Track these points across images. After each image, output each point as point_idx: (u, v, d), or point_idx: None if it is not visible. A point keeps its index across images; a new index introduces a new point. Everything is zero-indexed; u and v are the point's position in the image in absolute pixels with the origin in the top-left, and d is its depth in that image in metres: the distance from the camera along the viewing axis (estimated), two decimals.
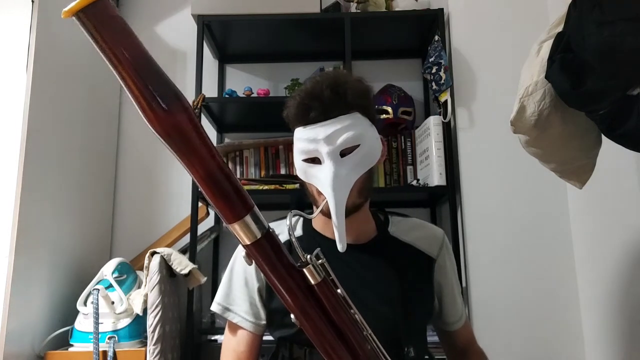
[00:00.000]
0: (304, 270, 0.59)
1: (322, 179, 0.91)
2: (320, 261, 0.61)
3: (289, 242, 1.03)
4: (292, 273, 0.59)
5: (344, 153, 0.92)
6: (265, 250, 0.57)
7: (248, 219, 0.55)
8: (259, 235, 0.56)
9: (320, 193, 0.94)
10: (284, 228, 1.05)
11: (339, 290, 0.62)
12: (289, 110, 0.99)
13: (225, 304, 1.06)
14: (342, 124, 0.92)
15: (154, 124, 0.49)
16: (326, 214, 0.92)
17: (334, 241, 1.01)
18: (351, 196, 0.92)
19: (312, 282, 0.60)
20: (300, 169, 0.97)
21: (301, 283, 0.60)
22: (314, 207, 1.05)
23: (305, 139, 0.93)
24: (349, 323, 0.62)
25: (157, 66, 0.50)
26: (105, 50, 0.47)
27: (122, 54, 0.47)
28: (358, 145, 0.93)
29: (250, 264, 0.59)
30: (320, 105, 0.93)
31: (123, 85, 0.49)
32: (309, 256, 0.60)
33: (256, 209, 0.56)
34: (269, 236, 0.57)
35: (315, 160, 0.94)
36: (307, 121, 0.94)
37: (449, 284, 1.11)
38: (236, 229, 0.55)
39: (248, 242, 0.56)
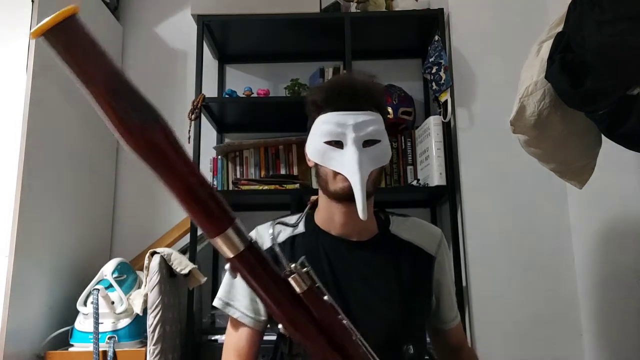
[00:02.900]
0: (289, 279, 0.59)
1: (344, 162, 0.95)
2: (305, 269, 0.60)
3: (292, 238, 1.05)
4: (278, 283, 0.59)
5: (365, 144, 0.97)
6: (249, 263, 0.57)
7: (230, 232, 0.54)
8: (241, 248, 0.55)
9: (336, 175, 0.98)
10: (286, 226, 1.06)
11: (325, 297, 0.62)
12: (318, 96, 1.03)
13: (226, 299, 1.07)
14: (370, 117, 0.98)
15: (129, 142, 0.48)
16: (340, 195, 0.97)
17: (336, 238, 1.04)
18: (368, 184, 0.97)
19: (298, 290, 0.59)
20: (319, 150, 1.00)
21: (287, 293, 0.59)
22: (320, 194, 1.07)
23: (334, 122, 0.97)
24: (338, 329, 0.62)
25: (130, 83, 0.48)
26: (76, 71, 0.45)
27: (95, 73, 0.46)
28: (379, 141, 0.99)
29: (234, 277, 0.59)
30: (352, 93, 0.99)
31: (96, 106, 0.47)
32: (293, 265, 0.60)
33: (238, 221, 0.55)
34: (252, 248, 0.56)
35: (337, 144, 0.98)
36: (337, 106, 0.98)
37: (447, 282, 1.12)
38: (218, 243, 0.54)
39: (231, 256, 0.55)
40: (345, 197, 0.97)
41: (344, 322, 0.63)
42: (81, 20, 0.45)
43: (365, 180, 0.94)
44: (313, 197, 0.96)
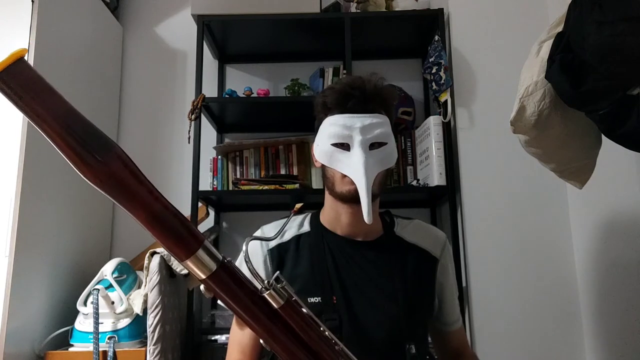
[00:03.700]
0: (265, 295, 0.59)
1: (350, 164, 0.97)
2: (280, 285, 0.60)
3: (297, 237, 1.07)
4: (255, 299, 0.59)
5: (371, 147, 0.98)
6: (223, 281, 0.57)
7: (200, 253, 0.54)
8: (214, 268, 0.55)
9: (343, 177, 0.99)
10: (294, 225, 1.09)
11: (304, 310, 0.62)
12: (328, 98, 1.03)
13: None
14: (378, 119, 0.99)
15: (91, 177, 0.49)
16: (347, 197, 0.99)
17: (342, 237, 1.06)
18: (374, 185, 0.98)
19: (275, 306, 0.59)
20: (326, 153, 1.01)
21: (265, 308, 0.59)
22: (326, 194, 1.08)
23: (342, 124, 0.98)
24: (319, 341, 0.62)
25: (84, 119, 0.49)
26: (29, 112, 0.46)
27: (48, 112, 0.46)
28: (385, 144, 1.00)
29: (209, 297, 0.59)
30: (361, 95, 1.00)
31: (52, 143, 0.48)
32: (267, 281, 0.60)
33: (207, 242, 0.55)
34: (225, 266, 0.56)
35: (344, 146, 0.99)
36: (345, 109, 0.99)
37: (450, 284, 1.12)
38: (189, 265, 0.55)
39: (204, 277, 0.55)
40: (352, 199, 0.99)
41: (326, 333, 0.63)
42: (28, 62, 0.46)
43: (371, 183, 0.95)
44: (297, 205, 0.98)
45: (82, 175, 0.49)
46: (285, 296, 0.60)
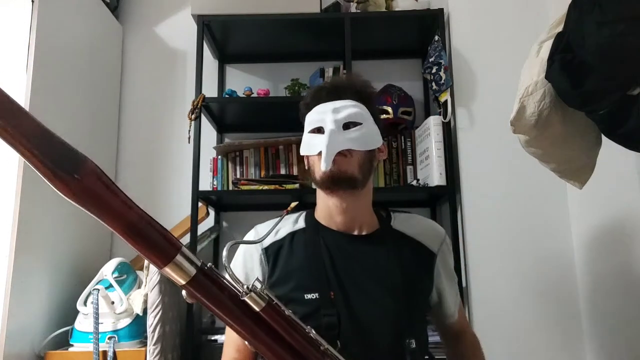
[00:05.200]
0: (246, 299, 0.59)
1: (322, 140, 0.98)
2: (260, 287, 0.60)
3: (291, 234, 1.07)
4: (236, 302, 0.59)
5: (346, 127, 1.00)
6: (203, 286, 0.57)
7: (179, 259, 0.55)
8: (193, 273, 0.56)
9: (320, 158, 0.99)
10: (289, 222, 1.10)
11: (286, 312, 0.62)
12: (307, 98, 1.08)
13: None
14: (350, 103, 1.02)
15: (66, 193, 0.50)
16: (325, 180, 0.99)
17: (338, 233, 1.06)
18: (351, 164, 0.99)
19: (257, 308, 0.59)
20: (306, 142, 1.04)
21: (247, 311, 0.60)
22: (317, 191, 1.09)
23: (315, 112, 1.03)
24: (303, 341, 0.62)
25: (56, 137, 0.50)
26: (2, 133, 0.47)
27: (20, 133, 0.47)
28: (360, 124, 1.01)
29: (191, 302, 0.60)
30: (332, 86, 1.06)
31: (28, 163, 0.49)
32: (246, 286, 0.60)
33: (184, 248, 0.56)
34: (205, 271, 0.57)
35: (320, 130, 1.01)
36: (319, 100, 1.03)
37: (449, 278, 1.12)
38: (168, 272, 0.55)
39: (183, 282, 0.56)
40: (329, 181, 0.99)
41: (311, 334, 0.63)
42: None
43: (335, 146, 0.96)
44: (292, 204, 0.98)
45: (57, 191, 0.50)
46: (266, 299, 0.60)
